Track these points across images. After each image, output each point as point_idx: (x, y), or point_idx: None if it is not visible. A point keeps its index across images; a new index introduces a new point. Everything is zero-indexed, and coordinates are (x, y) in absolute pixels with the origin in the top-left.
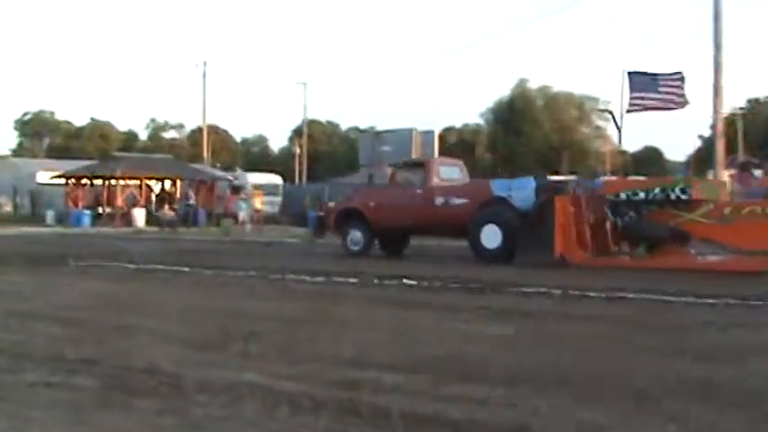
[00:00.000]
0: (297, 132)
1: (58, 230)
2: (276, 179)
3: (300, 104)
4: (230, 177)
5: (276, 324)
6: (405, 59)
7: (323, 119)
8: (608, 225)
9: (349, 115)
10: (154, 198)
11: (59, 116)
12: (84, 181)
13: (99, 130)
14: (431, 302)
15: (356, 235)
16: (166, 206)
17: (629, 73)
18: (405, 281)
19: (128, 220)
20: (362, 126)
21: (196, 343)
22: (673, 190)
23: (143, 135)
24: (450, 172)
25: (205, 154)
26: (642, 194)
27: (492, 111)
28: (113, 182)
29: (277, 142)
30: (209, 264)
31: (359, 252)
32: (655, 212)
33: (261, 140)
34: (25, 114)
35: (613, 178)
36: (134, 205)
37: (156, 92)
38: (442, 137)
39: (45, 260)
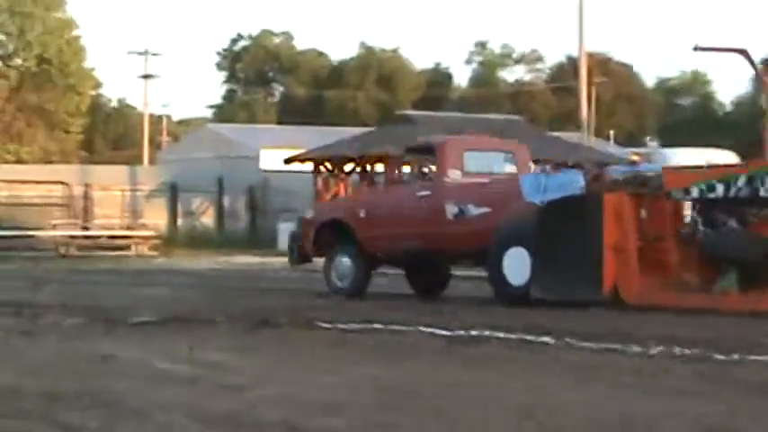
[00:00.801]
0: None
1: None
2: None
3: None
4: (637, 158)
5: None
6: None
7: None
8: (674, 240)
9: None
10: None
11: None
12: (348, 168)
13: (371, 61)
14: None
15: (342, 263)
16: None
17: None
18: (477, 332)
19: None
20: None
21: None
22: (764, 178)
23: (460, 75)
24: (485, 161)
25: (584, 112)
26: (720, 189)
27: None
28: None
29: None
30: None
31: (347, 291)
32: (762, 221)
33: (689, 84)
34: (236, 40)
35: (667, 163)
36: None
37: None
38: None
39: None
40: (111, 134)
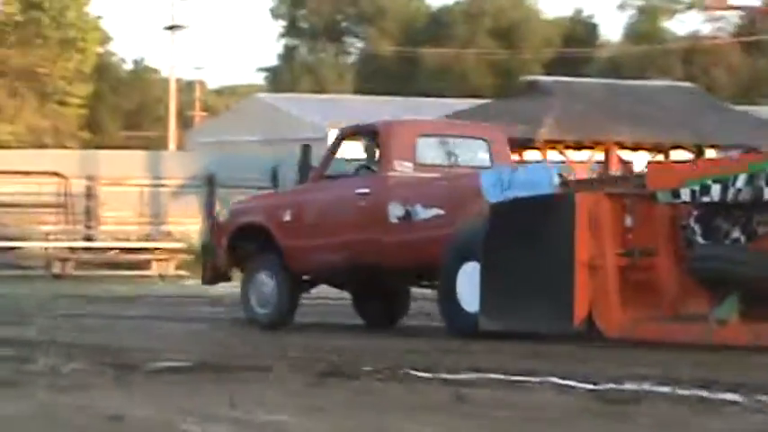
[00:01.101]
0: None
1: None
2: None
3: None
4: None
5: None
6: None
7: None
8: (668, 256)
9: None
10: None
11: None
12: None
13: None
14: None
15: (263, 282)
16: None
17: None
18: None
19: None
20: None
21: None
22: None
23: (609, 26)
24: (448, 151)
25: None
26: (717, 190)
27: None
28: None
29: None
30: None
31: (267, 321)
32: None
33: None
34: None
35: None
36: None
37: None
38: None
39: None
40: (123, 108)
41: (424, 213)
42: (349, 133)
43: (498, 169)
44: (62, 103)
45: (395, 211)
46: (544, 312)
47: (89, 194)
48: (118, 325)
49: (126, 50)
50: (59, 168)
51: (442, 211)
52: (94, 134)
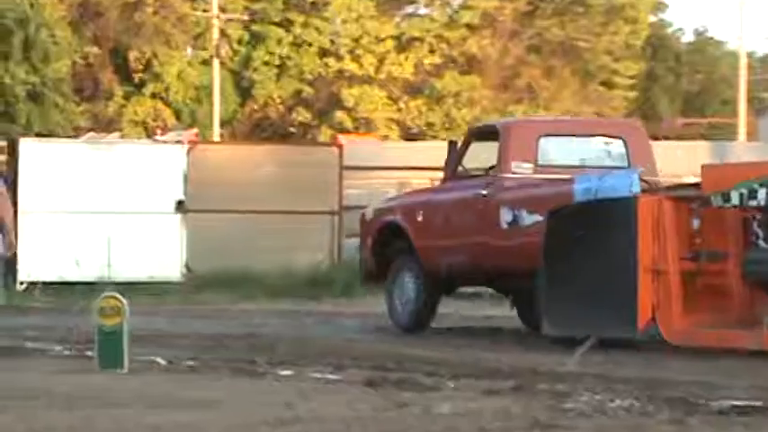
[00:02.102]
0: None
1: None
2: None
3: None
4: None
5: None
6: None
7: None
8: (737, 261)
9: None
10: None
11: None
12: None
13: None
14: None
15: (405, 284)
16: None
17: None
18: None
19: None
20: None
21: None
22: None
23: None
24: (577, 151)
25: None
26: (763, 194)
27: None
28: None
29: None
30: None
31: (407, 326)
32: None
33: None
34: None
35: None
36: None
37: None
38: None
39: None
40: (681, 89)
41: (528, 219)
42: (475, 133)
43: (589, 175)
44: (608, 85)
45: (505, 216)
46: (608, 317)
47: None
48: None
49: (685, 19)
50: None
51: (540, 218)
52: (648, 121)
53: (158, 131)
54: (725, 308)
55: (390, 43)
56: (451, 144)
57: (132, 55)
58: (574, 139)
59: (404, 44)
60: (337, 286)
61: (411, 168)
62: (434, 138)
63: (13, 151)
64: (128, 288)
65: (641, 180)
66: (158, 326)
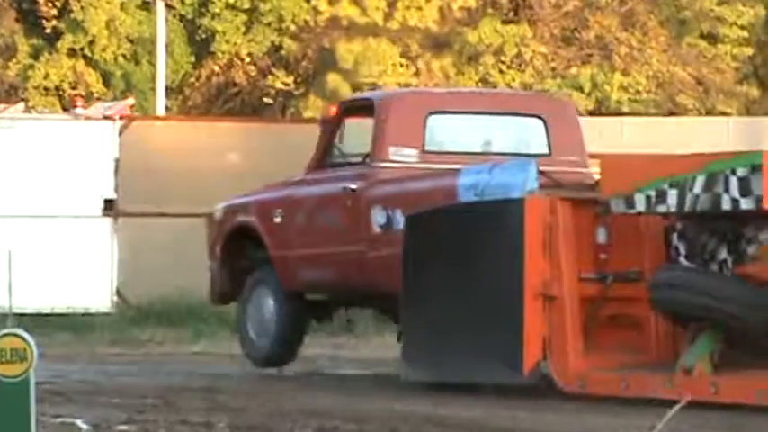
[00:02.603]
0: None
1: None
2: None
3: None
4: None
5: None
6: None
7: None
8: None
9: None
10: None
11: None
12: None
13: None
14: None
15: (261, 306)
16: None
17: None
18: None
19: None
20: None
21: None
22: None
23: None
24: (479, 134)
25: None
26: (673, 197)
27: None
28: None
29: None
30: None
31: (262, 361)
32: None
33: None
34: None
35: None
36: None
37: None
38: None
39: None
40: None
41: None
42: (348, 108)
43: (479, 167)
44: (711, 38)
45: (378, 217)
46: (485, 359)
47: None
48: None
49: None
50: None
51: None
52: (766, 91)
53: (79, 102)
54: (638, 345)
55: None
56: (324, 122)
57: None
58: (475, 117)
59: None
60: None
61: None
62: None
63: None
64: (36, 322)
65: (541, 175)
66: (79, 375)
